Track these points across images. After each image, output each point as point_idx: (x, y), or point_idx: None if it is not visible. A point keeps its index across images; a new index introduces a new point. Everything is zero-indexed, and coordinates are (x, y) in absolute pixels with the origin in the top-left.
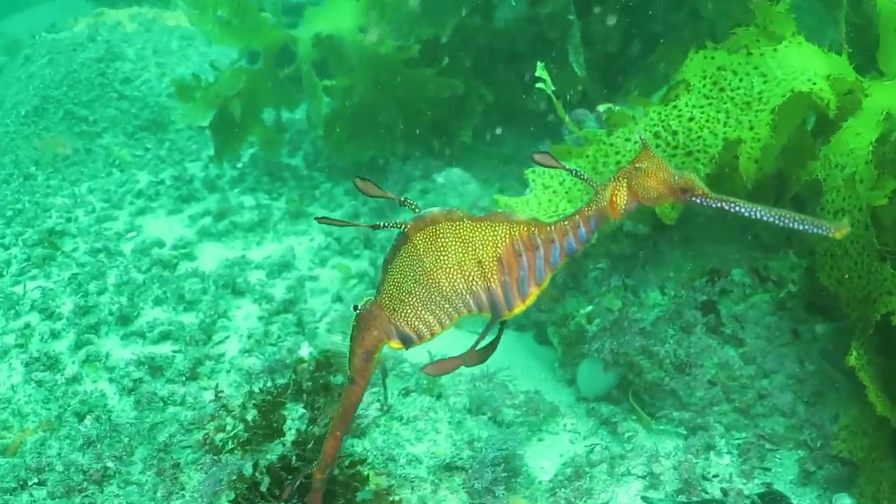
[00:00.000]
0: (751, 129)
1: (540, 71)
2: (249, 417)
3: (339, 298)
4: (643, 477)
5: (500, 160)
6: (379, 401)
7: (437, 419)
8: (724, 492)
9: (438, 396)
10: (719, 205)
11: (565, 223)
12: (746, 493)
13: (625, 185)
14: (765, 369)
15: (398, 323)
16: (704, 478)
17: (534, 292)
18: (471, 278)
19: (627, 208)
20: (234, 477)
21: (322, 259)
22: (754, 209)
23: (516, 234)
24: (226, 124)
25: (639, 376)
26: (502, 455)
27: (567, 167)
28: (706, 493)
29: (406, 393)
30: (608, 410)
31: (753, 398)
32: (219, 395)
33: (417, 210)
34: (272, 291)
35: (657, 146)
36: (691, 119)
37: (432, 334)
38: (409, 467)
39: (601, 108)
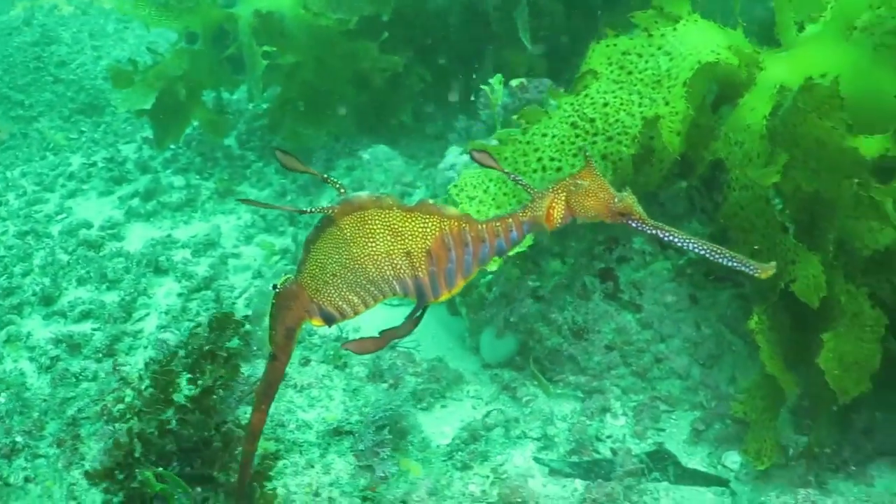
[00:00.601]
0: (666, 104)
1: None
2: (143, 387)
3: (259, 274)
4: (538, 439)
5: (428, 137)
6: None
7: (333, 387)
8: (614, 451)
9: (344, 367)
10: (654, 231)
11: (498, 224)
12: (635, 452)
13: (563, 199)
14: (662, 334)
15: (321, 302)
16: (598, 439)
17: (461, 283)
18: (399, 267)
19: (563, 222)
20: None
21: (248, 237)
22: (688, 240)
23: (447, 228)
24: (167, 109)
25: (539, 343)
26: (388, 417)
27: (505, 170)
28: (597, 453)
29: (305, 362)
30: (510, 376)
31: (650, 362)
32: (117, 367)
33: (341, 189)
34: (195, 269)
35: (577, 136)
36: (606, 105)
37: (355, 313)
38: (297, 433)
39: (514, 82)
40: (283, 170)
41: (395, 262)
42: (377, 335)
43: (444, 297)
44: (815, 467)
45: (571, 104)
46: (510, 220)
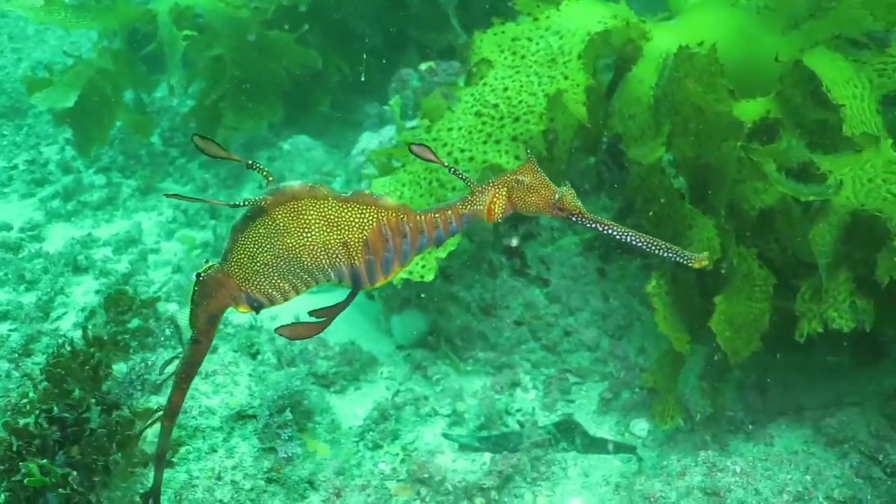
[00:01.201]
0: (566, 78)
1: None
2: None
3: (179, 269)
4: (448, 416)
5: (350, 126)
6: (178, 359)
7: (239, 373)
8: (521, 424)
9: (255, 354)
10: (593, 225)
11: (437, 216)
12: (543, 423)
13: (504, 194)
14: (570, 307)
15: (249, 290)
16: (508, 412)
17: (397, 270)
18: (335, 257)
19: (503, 216)
20: None
21: (169, 232)
22: (626, 233)
23: (384, 219)
24: (88, 113)
25: (449, 321)
26: (288, 398)
27: (445, 164)
28: (506, 426)
29: (212, 350)
30: (422, 356)
31: (559, 335)
32: (19, 365)
33: (269, 176)
34: (115, 267)
35: (483, 123)
36: (506, 89)
37: (285, 299)
38: (201, 419)
39: (423, 66)
40: (206, 164)
41: (331, 251)
42: (309, 318)
43: (381, 283)
44: (717, 430)
45: (472, 94)
46: (449, 212)
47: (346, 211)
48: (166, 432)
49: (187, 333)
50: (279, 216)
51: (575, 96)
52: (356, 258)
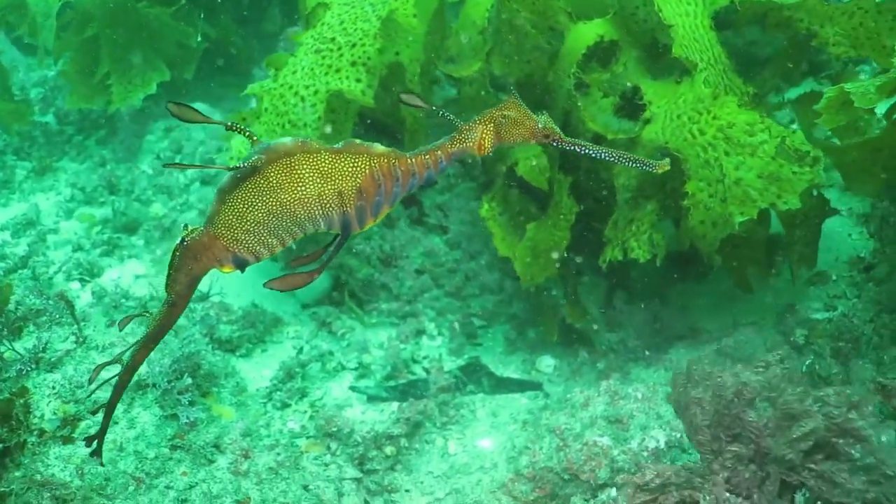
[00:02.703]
0: None
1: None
2: None
3: (79, 247)
4: (355, 369)
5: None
6: (74, 334)
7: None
8: (427, 370)
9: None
10: (572, 147)
11: (427, 157)
12: (448, 368)
13: (492, 129)
14: (470, 252)
15: (237, 250)
16: (414, 360)
17: (385, 211)
18: (329, 207)
19: (492, 149)
20: None
21: (68, 211)
22: (599, 151)
23: (376, 165)
24: None
25: (350, 275)
26: (184, 363)
27: (434, 107)
28: (413, 374)
29: (111, 323)
30: (326, 312)
31: (462, 281)
32: None
33: (252, 137)
34: (13, 250)
35: (323, 57)
36: (342, 23)
37: (271, 254)
38: (99, 392)
39: (289, 30)
40: (103, 141)
41: (325, 202)
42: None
43: (369, 225)
44: (618, 359)
45: (312, 36)
46: (439, 152)
47: (338, 162)
48: (122, 386)
49: (79, 309)
50: (272, 173)
51: (405, 11)
52: (349, 206)
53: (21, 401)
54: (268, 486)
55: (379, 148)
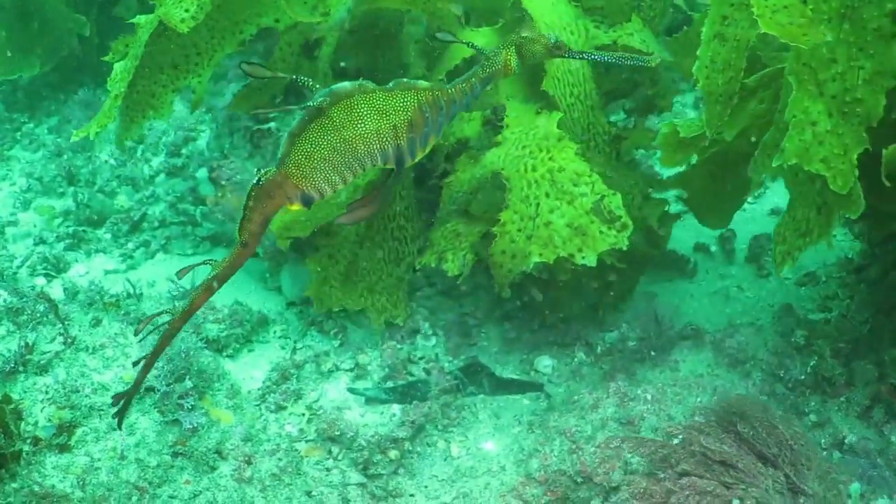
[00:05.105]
0: None
1: None
2: None
3: (42, 240)
4: (351, 370)
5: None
6: (61, 334)
7: (127, 344)
8: (427, 371)
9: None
10: (581, 56)
11: (464, 86)
12: (448, 368)
13: (514, 51)
14: None
15: (305, 188)
16: (411, 361)
17: (432, 141)
18: (385, 140)
19: (516, 68)
20: None
21: (24, 202)
22: (602, 56)
23: (423, 99)
24: None
25: None
26: (185, 366)
27: (463, 41)
28: (411, 375)
29: (96, 323)
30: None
31: (454, 278)
32: None
33: (315, 86)
34: None
35: None
36: None
37: (334, 191)
38: (95, 396)
39: None
40: (55, 129)
41: (382, 136)
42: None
43: (420, 156)
44: (621, 360)
45: None
46: (473, 79)
47: (391, 98)
48: (172, 334)
49: (62, 308)
50: (335, 114)
51: None
52: (402, 138)
53: (10, 407)
54: (272, 493)
55: (423, 83)
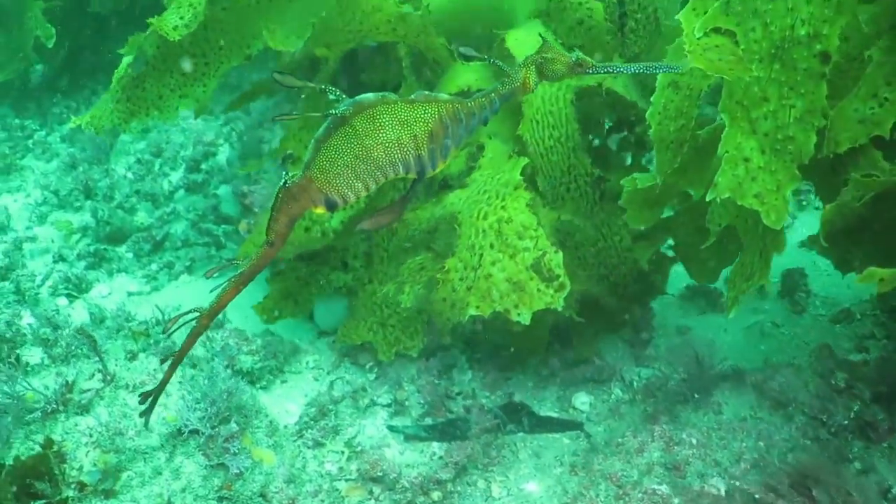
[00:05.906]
0: None
1: None
2: None
3: (61, 258)
4: (388, 405)
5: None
6: (100, 371)
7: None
8: (467, 409)
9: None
10: (605, 70)
11: (483, 100)
12: (488, 406)
13: (534, 70)
14: None
15: (329, 192)
16: (448, 397)
17: (454, 153)
18: (406, 150)
19: (535, 87)
20: None
21: (41, 216)
22: (629, 67)
23: (444, 111)
24: None
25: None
26: (229, 406)
27: (485, 57)
28: (451, 412)
29: (132, 357)
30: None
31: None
32: None
33: (341, 96)
34: None
35: None
36: None
37: (357, 198)
38: (139, 439)
39: None
40: (68, 138)
41: (403, 146)
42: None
43: (440, 167)
44: (662, 400)
45: None
46: (493, 94)
47: (413, 110)
48: (198, 333)
49: (101, 342)
50: (358, 123)
51: None
52: (422, 149)
53: (53, 450)
54: None
55: (444, 96)
